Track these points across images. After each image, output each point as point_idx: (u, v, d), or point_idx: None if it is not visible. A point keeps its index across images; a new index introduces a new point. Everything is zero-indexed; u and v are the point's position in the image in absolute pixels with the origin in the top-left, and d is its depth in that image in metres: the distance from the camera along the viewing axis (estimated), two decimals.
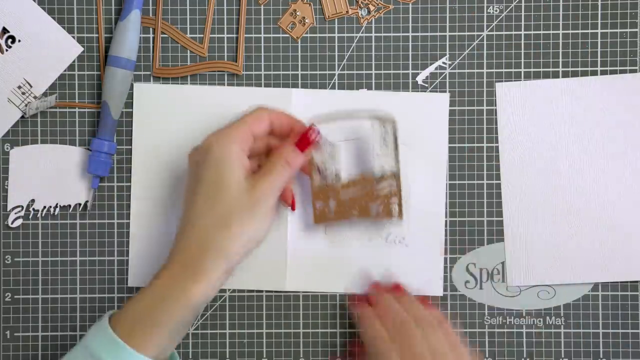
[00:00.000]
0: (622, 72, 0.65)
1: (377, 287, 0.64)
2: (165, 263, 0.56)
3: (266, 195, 0.56)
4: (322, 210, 0.61)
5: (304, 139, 0.59)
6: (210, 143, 0.57)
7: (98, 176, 0.64)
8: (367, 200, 0.61)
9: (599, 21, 0.65)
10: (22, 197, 0.64)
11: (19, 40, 0.64)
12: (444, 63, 0.65)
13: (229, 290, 0.65)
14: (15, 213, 0.64)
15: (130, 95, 0.64)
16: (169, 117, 0.64)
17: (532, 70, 0.65)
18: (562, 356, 0.65)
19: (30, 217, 0.64)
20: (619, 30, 0.65)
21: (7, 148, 0.64)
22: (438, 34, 0.65)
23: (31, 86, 0.64)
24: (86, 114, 0.65)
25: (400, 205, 0.61)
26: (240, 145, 0.57)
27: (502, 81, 0.65)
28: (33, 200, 0.64)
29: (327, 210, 0.61)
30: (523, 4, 0.65)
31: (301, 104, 0.64)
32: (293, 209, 0.62)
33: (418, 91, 0.65)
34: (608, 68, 0.65)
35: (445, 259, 0.65)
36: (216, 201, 0.56)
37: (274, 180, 0.57)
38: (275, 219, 0.61)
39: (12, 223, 0.64)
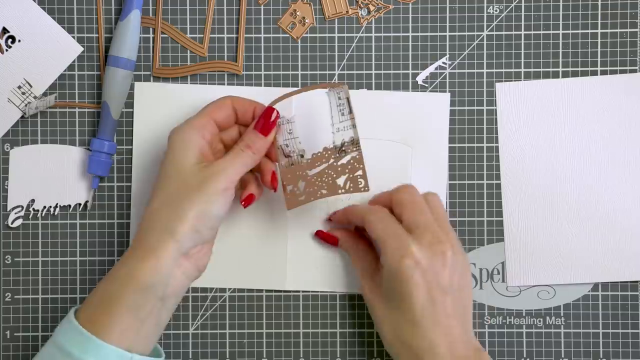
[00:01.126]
0: (622, 72, 0.65)
1: (338, 216, 0.64)
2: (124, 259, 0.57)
3: (216, 175, 0.56)
4: (292, 193, 0.60)
5: (264, 121, 0.58)
6: (172, 133, 0.58)
7: (98, 176, 0.63)
8: (333, 174, 0.60)
9: (599, 21, 0.65)
10: (22, 197, 0.64)
11: (19, 40, 0.64)
12: (444, 63, 0.65)
13: (229, 290, 0.65)
14: (15, 213, 0.64)
15: (131, 95, 0.64)
16: (170, 117, 0.64)
17: (532, 70, 0.65)
18: (562, 356, 0.65)
19: (30, 217, 0.64)
20: (619, 30, 0.65)
21: (7, 148, 0.64)
22: (438, 34, 0.65)
23: (31, 86, 0.64)
24: (86, 114, 0.65)
25: (365, 175, 0.60)
26: (199, 131, 0.57)
27: (502, 81, 0.65)
28: (33, 200, 0.64)
29: (297, 193, 0.60)
30: (523, 4, 0.65)
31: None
32: (275, 189, 0.60)
33: (418, 91, 0.65)
34: (608, 68, 0.65)
35: None
36: (167, 182, 0.57)
37: (228, 162, 0.57)
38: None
39: (12, 223, 0.64)
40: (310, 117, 0.63)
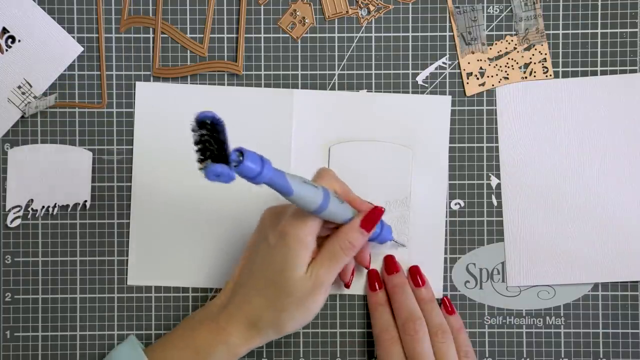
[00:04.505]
0: (622, 72, 0.65)
1: (394, 267, 0.64)
2: (221, 314, 0.58)
3: (319, 289, 0.56)
4: None
5: (371, 219, 0.57)
6: (287, 232, 0.55)
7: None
8: None
9: (599, 21, 0.65)
10: (20, 196, 0.64)
11: (19, 40, 0.64)
12: (444, 63, 0.65)
13: None
14: (14, 213, 0.64)
15: (131, 95, 0.64)
16: (170, 117, 0.64)
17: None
18: (562, 356, 0.65)
19: (29, 217, 0.64)
20: (619, 30, 0.65)
21: (7, 148, 0.64)
22: (438, 34, 0.65)
23: (31, 86, 0.64)
24: (86, 114, 0.65)
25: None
26: (313, 235, 0.55)
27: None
28: (31, 200, 0.64)
29: None
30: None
31: (302, 104, 0.64)
32: (348, 286, 0.62)
33: (418, 91, 0.65)
34: (608, 68, 0.65)
35: (445, 259, 0.65)
36: (282, 296, 0.56)
37: (335, 265, 0.56)
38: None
39: (10, 223, 0.64)
40: None
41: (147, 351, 0.59)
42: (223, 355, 0.57)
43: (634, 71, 0.65)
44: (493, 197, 0.65)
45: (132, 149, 0.65)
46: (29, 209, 0.64)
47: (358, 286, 0.65)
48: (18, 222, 0.64)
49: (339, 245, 0.56)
